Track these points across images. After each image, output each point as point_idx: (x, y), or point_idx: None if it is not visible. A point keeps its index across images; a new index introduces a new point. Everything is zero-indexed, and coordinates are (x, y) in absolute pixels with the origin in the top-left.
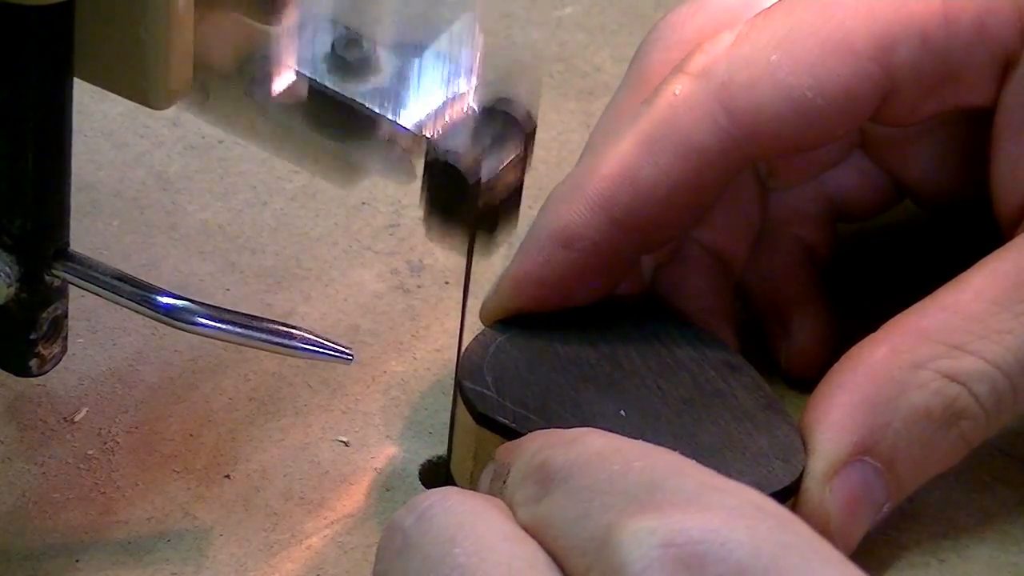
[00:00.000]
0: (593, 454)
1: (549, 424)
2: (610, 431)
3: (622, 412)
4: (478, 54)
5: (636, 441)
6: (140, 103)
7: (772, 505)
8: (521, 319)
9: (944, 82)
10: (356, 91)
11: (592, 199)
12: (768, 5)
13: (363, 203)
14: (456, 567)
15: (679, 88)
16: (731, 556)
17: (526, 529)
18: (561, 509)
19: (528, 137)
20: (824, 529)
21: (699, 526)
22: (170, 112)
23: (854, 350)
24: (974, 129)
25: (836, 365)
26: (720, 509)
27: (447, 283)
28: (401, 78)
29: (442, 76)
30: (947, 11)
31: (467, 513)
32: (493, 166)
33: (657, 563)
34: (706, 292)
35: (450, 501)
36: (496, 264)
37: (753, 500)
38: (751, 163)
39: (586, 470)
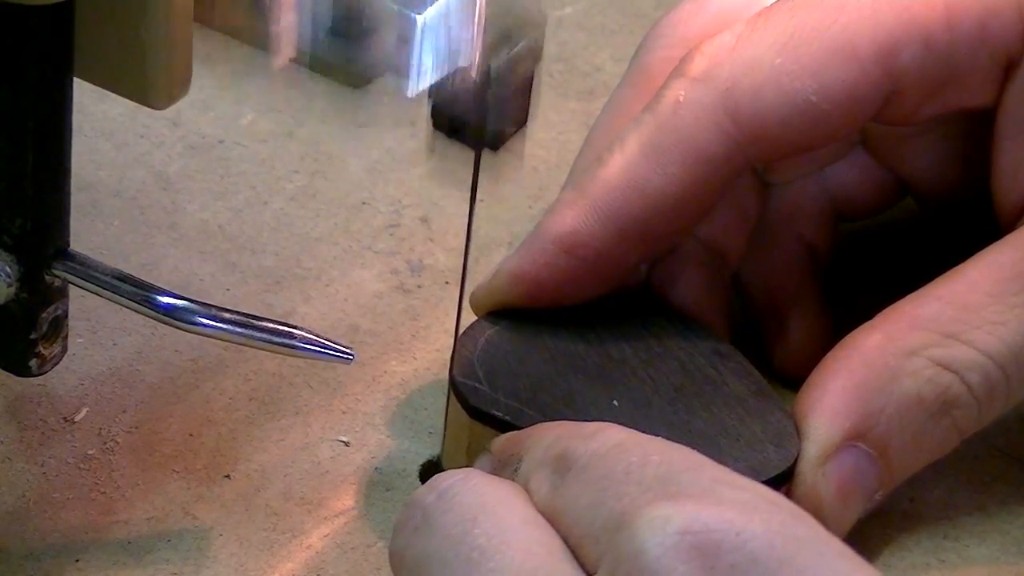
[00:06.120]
0: (613, 446)
1: (543, 416)
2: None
3: (615, 402)
4: None
5: (655, 437)
6: (140, 103)
7: (784, 501)
8: (510, 311)
9: (946, 84)
10: None
11: (600, 209)
12: (768, 4)
13: (363, 203)
14: (476, 547)
15: (682, 94)
16: (745, 546)
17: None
18: (576, 497)
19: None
20: (816, 514)
21: (715, 516)
22: (170, 112)
23: (848, 337)
24: (976, 127)
25: (831, 352)
26: (734, 503)
27: (447, 283)
28: None
29: None
30: (950, 14)
31: (489, 495)
32: (502, 60)
33: (673, 550)
34: (701, 286)
35: (472, 482)
36: (495, 263)
37: (766, 496)
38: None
39: (605, 461)
